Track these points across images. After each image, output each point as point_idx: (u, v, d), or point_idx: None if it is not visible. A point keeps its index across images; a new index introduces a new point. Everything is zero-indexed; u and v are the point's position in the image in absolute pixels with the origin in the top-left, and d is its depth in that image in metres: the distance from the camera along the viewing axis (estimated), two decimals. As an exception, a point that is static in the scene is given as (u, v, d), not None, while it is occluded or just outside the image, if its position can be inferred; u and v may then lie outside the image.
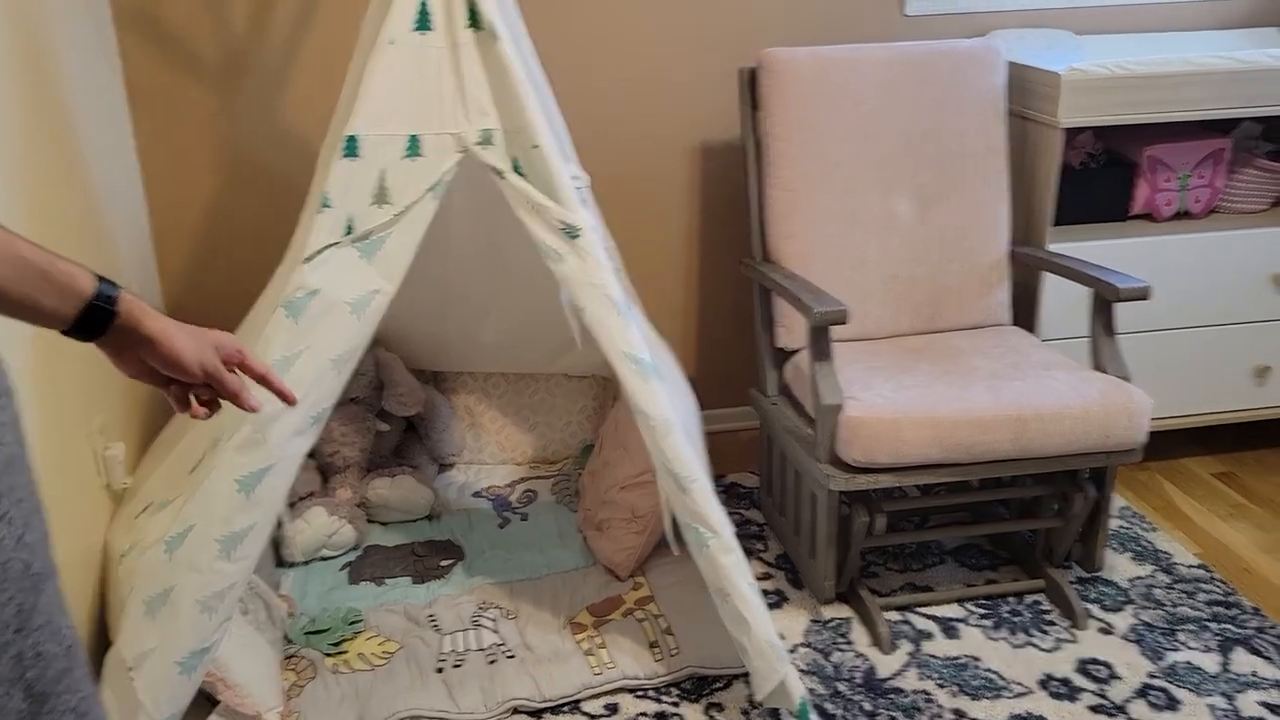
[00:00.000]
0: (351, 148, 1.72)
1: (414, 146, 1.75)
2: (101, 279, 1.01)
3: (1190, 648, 2.15)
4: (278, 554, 2.40)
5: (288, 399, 1.22)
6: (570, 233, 1.78)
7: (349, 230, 1.73)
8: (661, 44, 2.71)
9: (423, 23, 1.71)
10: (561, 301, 2.08)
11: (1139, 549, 2.48)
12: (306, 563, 2.41)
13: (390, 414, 2.64)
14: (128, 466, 2.10)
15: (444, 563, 2.40)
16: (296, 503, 2.45)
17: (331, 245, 1.72)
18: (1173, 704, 2.00)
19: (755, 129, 2.48)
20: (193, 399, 1.15)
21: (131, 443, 2.20)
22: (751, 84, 2.48)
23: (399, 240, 1.76)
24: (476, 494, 2.71)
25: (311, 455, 2.55)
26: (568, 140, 2.19)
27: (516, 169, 1.79)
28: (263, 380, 1.18)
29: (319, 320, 1.71)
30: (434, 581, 2.34)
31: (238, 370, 1.15)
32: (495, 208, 2.27)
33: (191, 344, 1.08)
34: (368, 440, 2.59)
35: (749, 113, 2.48)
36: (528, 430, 2.85)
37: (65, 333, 1.01)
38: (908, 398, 2.09)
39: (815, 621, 2.25)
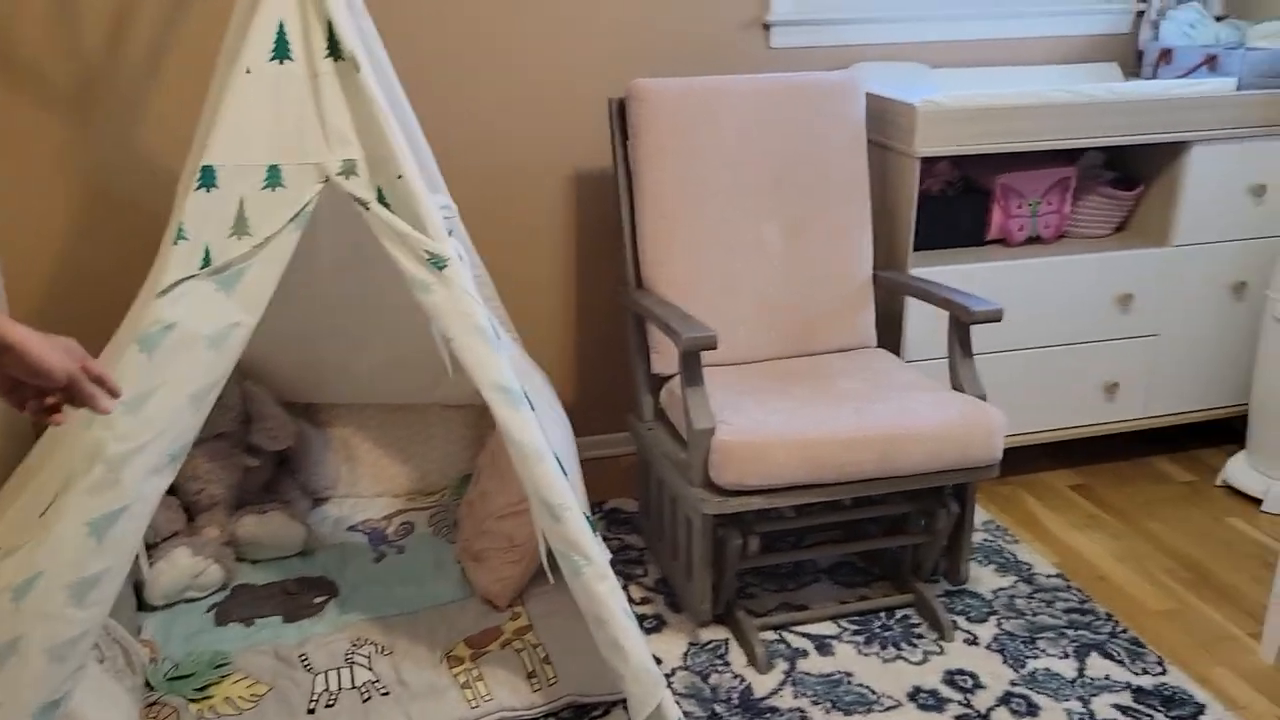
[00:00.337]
0: (208, 178, 1.68)
1: (274, 177, 1.72)
2: None
3: (1049, 655, 2.24)
4: (139, 597, 2.30)
5: (114, 393, 1.22)
6: (437, 263, 1.77)
7: (206, 262, 1.69)
8: (532, 74, 2.73)
9: (281, 52, 1.68)
10: (433, 331, 2.06)
11: (1001, 561, 2.58)
12: (171, 605, 2.32)
13: (259, 448, 2.57)
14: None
15: (317, 600, 2.35)
16: (160, 543, 2.36)
17: (188, 278, 1.68)
18: (1033, 710, 2.07)
19: (626, 158, 2.51)
20: (63, 407, 1.12)
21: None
22: (621, 113, 2.51)
23: (259, 272, 1.72)
24: (351, 528, 2.65)
25: (175, 493, 2.47)
26: (435, 169, 2.18)
27: (381, 199, 1.77)
28: (99, 382, 1.17)
29: (175, 355, 1.66)
30: (306, 620, 2.28)
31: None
32: (364, 237, 2.24)
33: (55, 351, 1.05)
34: (235, 476, 2.51)
35: (620, 141, 2.52)
36: (404, 461, 2.81)
37: None
38: (778, 420, 2.14)
39: (693, 644, 2.27)
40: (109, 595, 1.66)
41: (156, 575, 2.28)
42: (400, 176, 1.76)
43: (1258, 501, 2.82)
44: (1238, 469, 2.88)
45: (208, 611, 2.31)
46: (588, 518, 1.89)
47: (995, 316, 2.28)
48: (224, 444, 2.50)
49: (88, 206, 2.54)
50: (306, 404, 2.79)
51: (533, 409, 1.85)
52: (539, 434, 1.82)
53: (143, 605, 2.31)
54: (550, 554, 1.96)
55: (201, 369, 1.69)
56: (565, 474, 1.87)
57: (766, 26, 2.83)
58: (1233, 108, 2.72)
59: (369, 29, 1.99)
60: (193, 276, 1.68)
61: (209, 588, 2.36)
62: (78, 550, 1.61)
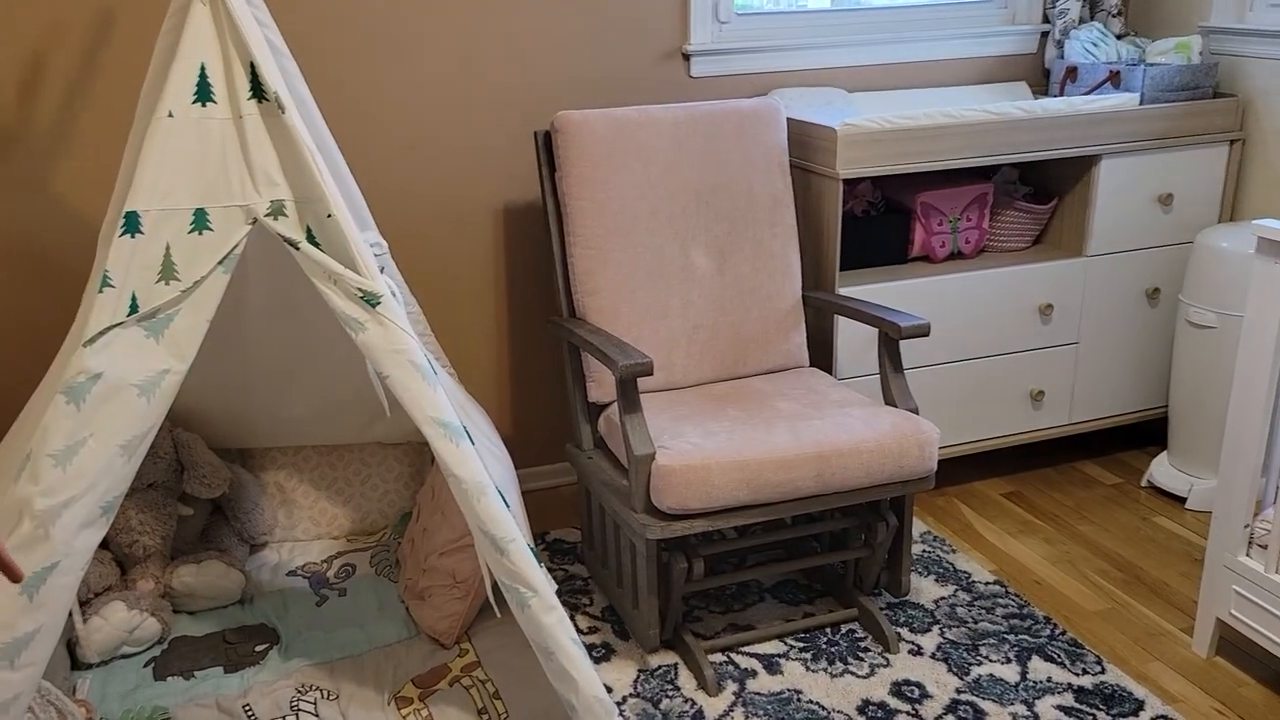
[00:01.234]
0: (132, 224, 1.66)
1: (200, 220, 1.70)
2: None
3: (992, 660, 2.28)
4: (73, 655, 2.24)
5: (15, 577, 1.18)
6: (370, 300, 1.77)
7: (133, 309, 1.66)
8: (457, 109, 2.74)
9: (203, 95, 1.67)
10: (368, 370, 2.05)
11: (941, 570, 2.62)
12: (106, 662, 2.26)
13: (194, 497, 2.53)
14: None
15: (258, 648, 2.30)
16: (93, 598, 2.30)
17: (115, 326, 1.65)
18: (980, 716, 2.11)
19: (554, 189, 2.53)
20: None
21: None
22: (548, 145, 2.53)
23: (189, 317, 1.70)
24: (291, 573, 2.61)
25: (107, 546, 2.41)
26: (364, 207, 2.18)
27: (311, 239, 1.76)
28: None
29: (103, 405, 1.63)
30: (248, 669, 2.24)
31: None
32: (294, 278, 2.23)
33: None
34: (169, 526, 2.46)
35: (547, 173, 2.54)
36: (343, 503, 2.78)
37: None
38: (716, 443, 2.16)
39: (643, 671, 2.28)
40: (42, 655, 1.61)
41: (91, 632, 2.22)
42: (329, 215, 1.75)
43: (1182, 500, 2.91)
44: (1161, 469, 2.98)
45: (145, 666, 2.25)
46: (532, 549, 1.89)
47: (923, 331, 2.34)
48: (157, 494, 2.45)
49: (6, 259, 2.48)
50: (240, 449, 2.74)
51: (472, 442, 1.84)
52: (479, 467, 1.82)
53: (77, 664, 2.24)
54: (496, 588, 1.95)
55: (132, 418, 1.66)
56: (508, 506, 1.87)
57: (686, 56, 2.88)
58: (1137, 121, 2.83)
59: (292, 69, 1.99)
60: (119, 324, 1.66)
61: (146, 642, 2.30)
62: (8, 610, 1.57)
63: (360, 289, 1.76)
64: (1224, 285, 2.70)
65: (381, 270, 1.85)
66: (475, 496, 1.81)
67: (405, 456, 2.81)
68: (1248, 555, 2.16)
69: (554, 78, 2.79)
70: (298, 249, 1.76)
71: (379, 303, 1.77)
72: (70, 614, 2.15)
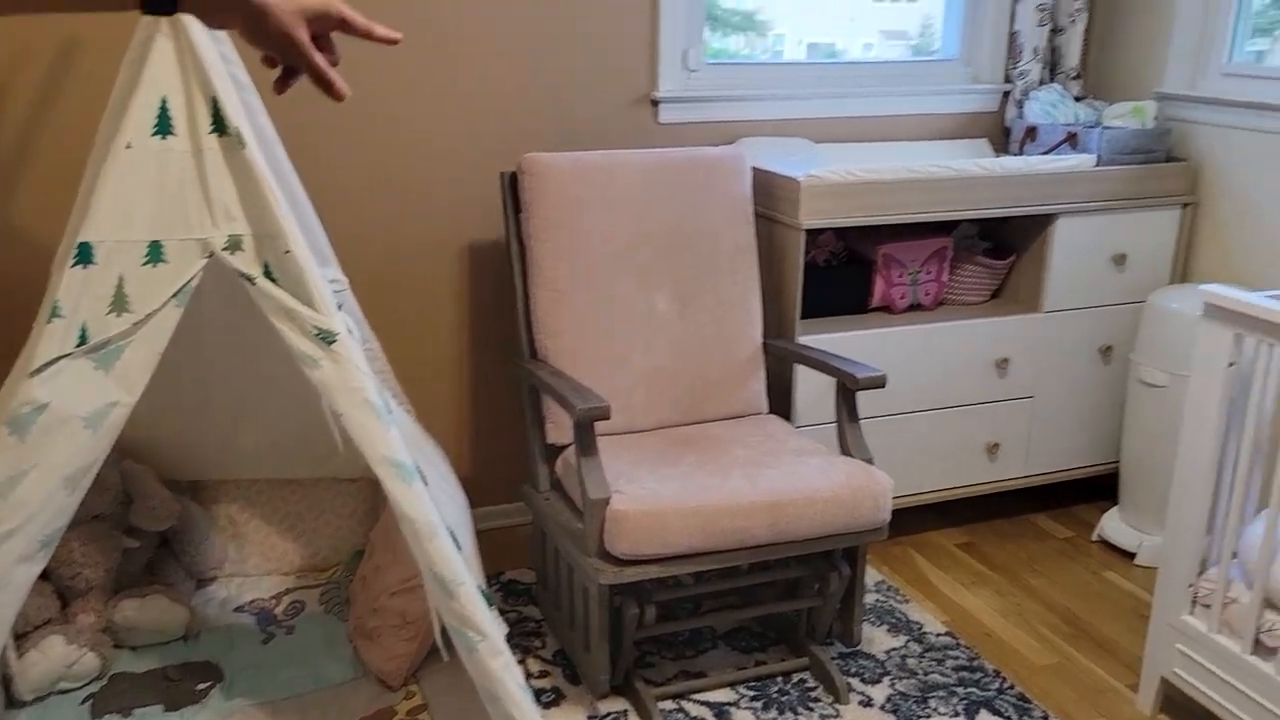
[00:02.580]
0: (85, 254, 1.64)
1: (156, 253, 1.69)
2: None
3: (941, 713, 2.28)
4: (8, 692, 2.18)
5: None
6: (326, 338, 1.75)
7: (83, 340, 1.64)
8: (424, 147, 2.75)
9: (163, 128, 1.66)
10: (324, 405, 2.04)
11: (893, 621, 2.63)
12: (42, 699, 2.21)
13: (140, 529, 2.48)
14: None
15: (200, 686, 2.26)
16: (31, 632, 2.25)
17: (63, 357, 1.63)
18: (926, 769, 2.11)
19: (519, 230, 2.54)
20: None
21: None
22: (513, 187, 2.54)
23: (139, 350, 1.68)
24: (238, 609, 2.57)
25: (48, 578, 2.36)
26: (325, 243, 2.17)
27: (268, 274, 1.75)
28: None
29: (48, 436, 1.60)
30: (189, 708, 2.19)
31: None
32: (251, 312, 2.21)
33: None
34: (113, 559, 2.42)
35: (512, 215, 2.54)
36: (295, 538, 2.74)
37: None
38: (672, 489, 2.16)
39: (592, 716, 2.25)
40: (-28, 691, 1.57)
41: (27, 667, 2.17)
42: (288, 251, 1.74)
43: (1131, 555, 2.94)
44: (1112, 524, 3.01)
45: (82, 703, 2.20)
46: (483, 592, 1.88)
47: (879, 383, 2.36)
48: (102, 526, 2.41)
49: (-42, 281, 2.45)
50: (192, 481, 2.70)
51: (425, 483, 1.83)
52: (431, 508, 1.81)
53: (12, 701, 2.19)
54: (445, 630, 1.93)
55: (77, 450, 1.63)
56: (459, 548, 1.85)
57: (655, 103, 2.91)
58: (1093, 182, 2.89)
59: (256, 104, 1.99)
60: (68, 355, 1.63)
61: (84, 677, 2.25)
62: (-62, 644, 1.53)
63: (316, 326, 1.75)
64: (1174, 346, 2.75)
65: (340, 307, 1.84)
66: (426, 538, 1.79)
67: (360, 492, 2.78)
68: (1191, 615, 2.18)
69: (523, 120, 2.81)
70: (253, 284, 1.74)
71: (335, 340, 1.76)
72: (5, 649, 2.10)
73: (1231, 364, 2.06)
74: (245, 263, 1.74)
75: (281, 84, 1.14)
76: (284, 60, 1.08)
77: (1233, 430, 2.10)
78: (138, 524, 2.46)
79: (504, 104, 2.78)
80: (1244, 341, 2.05)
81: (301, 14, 1.06)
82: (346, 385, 1.77)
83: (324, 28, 1.09)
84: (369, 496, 2.79)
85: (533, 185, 2.49)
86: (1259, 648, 2.05)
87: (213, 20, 1.04)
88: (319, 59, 1.09)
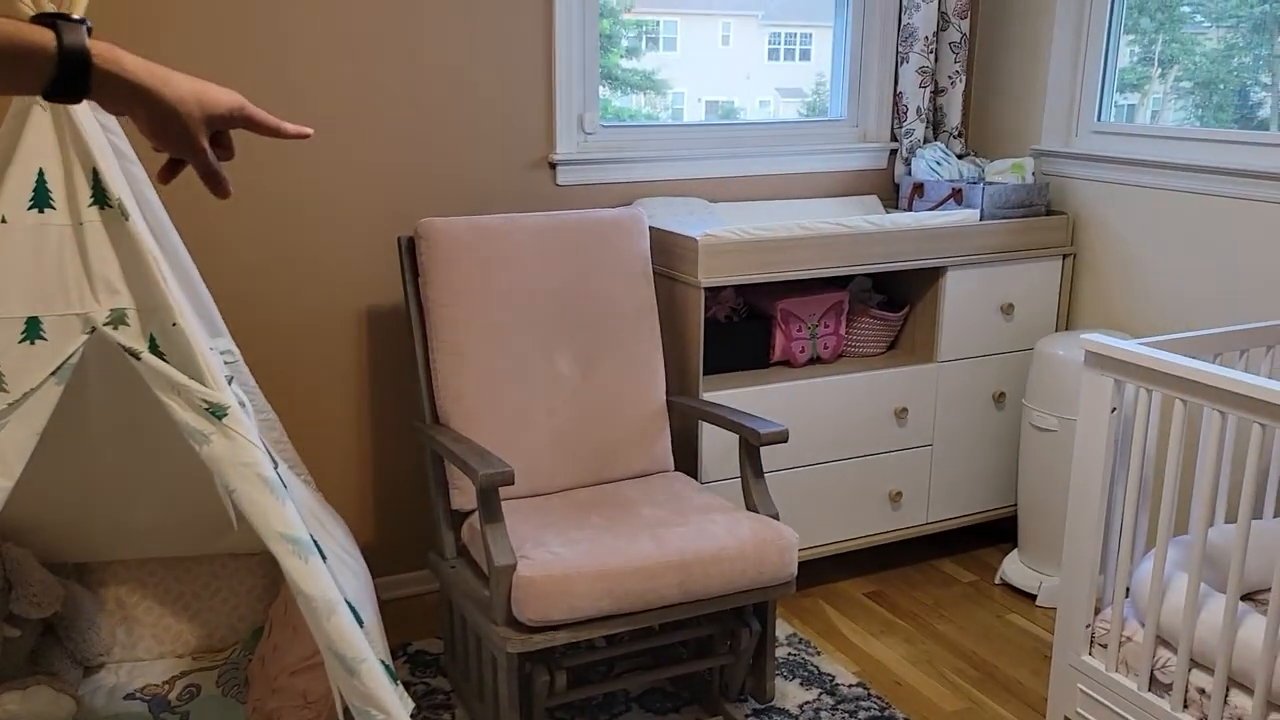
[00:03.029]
0: (-43, 333, 1.58)
1: (33, 329, 1.63)
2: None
3: (854, 765, 2.29)
4: (-128, 800, 2.04)
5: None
6: (216, 412, 1.71)
7: (-46, 423, 1.57)
8: (319, 213, 2.72)
9: (41, 200, 1.62)
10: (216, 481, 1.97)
11: (806, 674, 2.63)
12: (-89, 805, 2.07)
13: (21, 617, 2.36)
14: None
15: (87, 782, 2.14)
16: (-101, 734, 2.11)
17: (-67, 440, 1.55)
18: (842, 824, 2.11)
19: (418, 295, 2.52)
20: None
21: None
22: (411, 251, 2.53)
23: (17, 429, 1.62)
24: (129, 696, 2.45)
25: (-80, 675, 2.23)
26: (215, 314, 2.12)
27: (154, 348, 1.70)
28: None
29: (-85, 526, 1.52)
30: (74, 806, 2.08)
31: None
32: (137, 387, 2.14)
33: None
34: (-8, 650, 2.29)
35: (410, 279, 2.52)
36: (189, 618, 2.63)
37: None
38: (578, 552, 2.14)
39: (503, 791, 2.20)
40: None
41: (-106, 772, 2.03)
42: (175, 324, 1.70)
43: (1033, 597, 3.01)
44: (1013, 567, 3.08)
45: (-44, 808, 2.07)
46: (387, 667, 1.83)
47: (781, 438, 2.38)
48: (-21, 615, 2.28)
49: None
50: (78, 563, 2.58)
51: (324, 557, 1.78)
52: (330, 584, 1.76)
53: (-124, 808, 2.04)
54: (348, 710, 1.87)
55: (-53, 539, 1.55)
56: (361, 623, 1.80)
57: (553, 165, 2.93)
58: (978, 236, 3.00)
59: (140, 174, 1.94)
60: (-61, 438, 1.56)
61: (-42, 780, 2.11)
62: None
63: (205, 400, 1.70)
64: (1062, 391, 2.85)
65: (230, 380, 1.80)
66: (324, 615, 1.74)
67: (259, 568, 2.69)
68: (1090, 654, 2.24)
69: (420, 184, 2.80)
70: (139, 359, 1.69)
71: (225, 414, 1.71)
72: None
73: (1114, 409, 2.14)
74: (130, 337, 1.69)
75: (167, 173, 1.12)
76: (177, 155, 1.06)
77: (1119, 473, 2.18)
78: (19, 612, 2.34)
79: (400, 169, 2.77)
80: (1124, 388, 2.14)
81: (206, 121, 1.04)
82: (238, 460, 1.72)
83: (228, 126, 1.07)
84: (268, 571, 2.70)
85: (430, 250, 2.47)
86: (1155, 684, 2.11)
87: (117, 109, 1.01)
88: (212, 160, 1.07)
